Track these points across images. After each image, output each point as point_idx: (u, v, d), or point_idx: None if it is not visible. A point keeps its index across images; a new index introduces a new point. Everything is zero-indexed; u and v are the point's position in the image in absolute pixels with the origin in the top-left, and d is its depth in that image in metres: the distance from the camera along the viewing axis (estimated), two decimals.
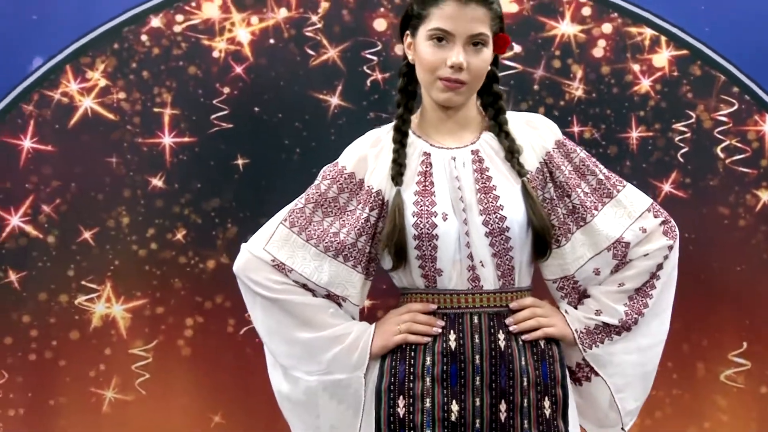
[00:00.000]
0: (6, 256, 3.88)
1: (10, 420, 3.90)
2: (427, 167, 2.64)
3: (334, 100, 3.87)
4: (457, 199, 2.60)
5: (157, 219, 3.89)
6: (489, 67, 2.64)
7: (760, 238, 3.90)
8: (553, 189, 2.68)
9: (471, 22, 2.57)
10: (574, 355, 2.71)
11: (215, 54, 3.87)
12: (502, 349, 2.59)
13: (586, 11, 3.87)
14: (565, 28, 3.87)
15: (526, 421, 2.58)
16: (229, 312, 3.89)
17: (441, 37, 2.57)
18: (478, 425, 2.56)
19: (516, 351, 2.61)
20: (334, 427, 2.68)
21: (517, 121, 2.71)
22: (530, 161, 2.67)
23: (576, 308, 2.71)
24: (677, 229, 2.75)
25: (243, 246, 2.75)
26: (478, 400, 2.56)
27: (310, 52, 3.87)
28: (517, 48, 3.82)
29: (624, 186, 2.74)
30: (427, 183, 2.62)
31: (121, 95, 3.87)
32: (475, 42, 2.58)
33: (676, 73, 3.87)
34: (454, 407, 2.56)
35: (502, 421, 2.57)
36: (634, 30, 3.87)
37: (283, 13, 3.87)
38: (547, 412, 2.62)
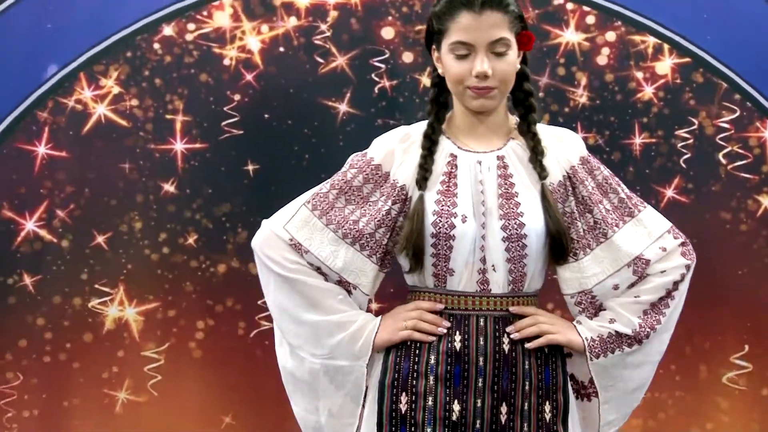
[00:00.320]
0: (21, 260, 3.90)
1: (25, 421, 3.92)
2: (452, 168, 2.64)
3: (343, 107, 3.89)
4: (478, 202, 2.61)
5: (169, 224, 3.92)
6: (518, 67, 2.63)
7: (761, 242, 3.91)
8: (575, 203, 2.67)
9: (489, 29, 2.56)
10: (585, 368, 2.70)
11: (226, 62, 3.90)
12: (506, 352, 2.60)
13: (590, 20, 3.89)
14: (570, 37, 3.89)
15: (526, 424, 2.59)
16: (239, 315, 3.92)
17: (462, 50, 2.57)
18: (478, 426, 2.57)
19: (520, 355, 2.61)
20: (333, 414, 2.68)
21: (546, 134, 2.70)
22: (554, 173, 2.67)
23: (591, 319, 2.69)
24: (694, 252, 2.73)
25: (264, 222, 2.74)
26: (479, 401, 2.57)
27: (319, 59, 3.89)
28: None
29: (645, 207, 2.72)
30: (450, 184, 2.62)
31: (134, 102, 3.90)
32: (497, 47, 2.56)
33: (678, 81, 3.89)
34: (456, 407, 2.56)
35: (503, 423, 2.57)
36: (637, 38, 3.89)
37: (292, 21, 3.89)
38: (548, 416, 2.62)
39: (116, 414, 3.94)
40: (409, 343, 2.63)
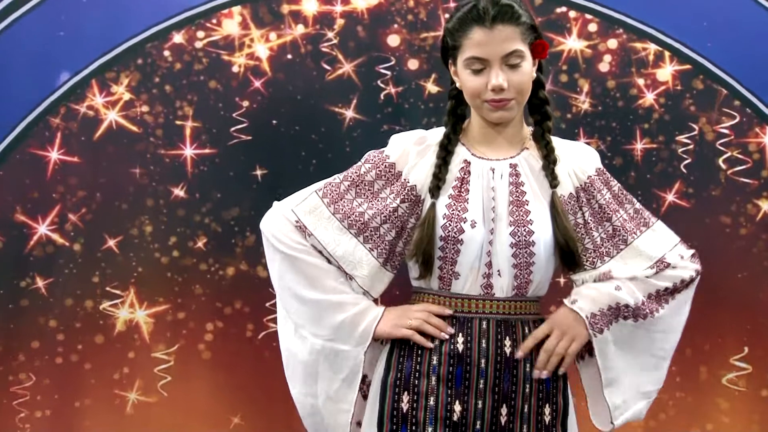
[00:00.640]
0: (34, 264, 3.92)
1: (37, 421, 3.94)
2: (465, 174, 2.66)
3: (349, 113, 3.92)
4: (489, 208, 2.63)
5: (179, 227, 3.94)
6: (533, 76, 2.65)
7: (761, 246, 3.93)
8: (590, 214, 2.70)
9: (502, 43, 2.58)
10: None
11: (235, 69, 3.92)
12: (508, 355, 2.63)
13: (593, 27, 3.91)
14: (572, 44, 3.91)
15: (525, 426, 2.62)
16: (247, 317, 3.94)
17: (477, 64, 2.59)
18: (478, 426, 2.59)
19: (521, 358, 2.65)
20: (330, 398, 2.69)
21: (561, 147, 2.73)
22: (565, 185, 2.69)
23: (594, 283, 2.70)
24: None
25: (274, 203, 2.77)
26: (480, 402, 2.60)
27: (326, 66, 3.91)
28: None
29: (657, 220, 2.77)
30: (462, 190, 2.65)
31: (145, 108, 3.92)
32: (511, 59, 2.59)
33: (679, 87, 3.90)
34: (457, 407, 2.59)
35: (502, 424, 2.61)
36: (638, 45, 3.90)
37: (300, 29, 3.91)
38: (547, 418, 2.65)
39: (127, 414, 3.96)
40: (412, 343, 2.66)
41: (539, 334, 2.67)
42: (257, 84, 3.93)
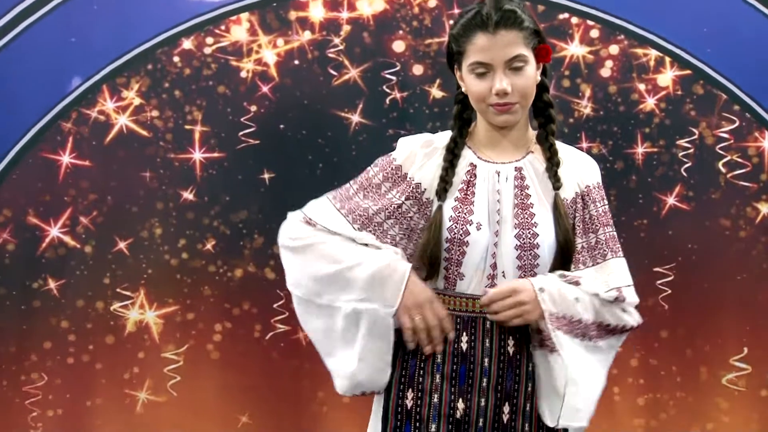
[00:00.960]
0: (46, 265, 3.96)
1: (49, 420, 3.98)
2: (471, 177, 2.67)
3: (355, 118, 3.95)
4: (494, 211, 2.65)
5: (188, 230, 3.98)
6: (537, 79, 2.66)
7: (760, 248, 3.96)
8: (580, 221, 2.70)
9: (505, 47, 2.59)
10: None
11: (243, 74, 3.95)
12: (511, 354, 2.64)
13: (594, 33, 3.94)
14: (574, 50, 3.94)
15: (527, 424, 2.63)
16: (255, 318, 3.97)
17: (481, 69, 2.61)
18: (481, 424, 2.61)
19: (524, 357, 2.66)
20: (365, 359, 2.63)
21: (565, 151, 2.74)
22: (567, 189, 2.70)
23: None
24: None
25: (288, 214, 2.75)
26: (483, 400, 2.61)
27: (333, 72, 3.95)
28: None
29: (622, 256, 2.76)
30: (468, 192, 2.66)
31: (155, 113, 3.96)
32: (514, 63, 2.60)
33: (679, 92, 3.94)
34: (460, 405, 2.61)
35: (504, 422, 2.62)
36: (639, 51, 3.94)
37: (307, 35, 3.95)
38: None
39: (137, 413, 3.99)
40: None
41: (504, 290, 2.63)
42: (265, 89, 3.96)
